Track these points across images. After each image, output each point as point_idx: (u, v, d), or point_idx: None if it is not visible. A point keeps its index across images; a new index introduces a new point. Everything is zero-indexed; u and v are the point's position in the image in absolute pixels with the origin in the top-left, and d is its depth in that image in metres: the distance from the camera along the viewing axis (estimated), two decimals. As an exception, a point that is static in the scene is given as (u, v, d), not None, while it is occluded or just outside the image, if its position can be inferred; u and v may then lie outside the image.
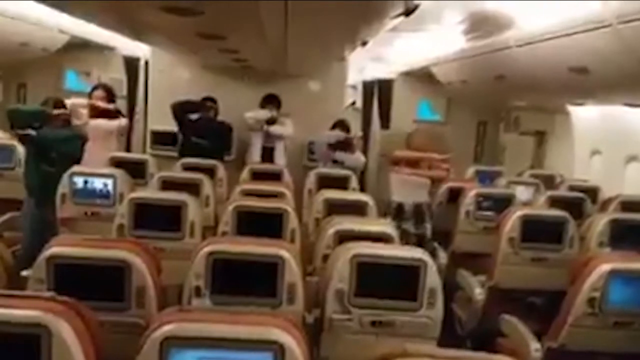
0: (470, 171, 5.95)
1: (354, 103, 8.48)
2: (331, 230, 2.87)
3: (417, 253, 2.39)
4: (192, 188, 3.70)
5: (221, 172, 4.66)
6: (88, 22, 4.28)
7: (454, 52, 5.32)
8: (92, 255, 2.09)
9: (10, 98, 7.16)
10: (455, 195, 4.50)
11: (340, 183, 4.50)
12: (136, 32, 4.50)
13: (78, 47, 6.32)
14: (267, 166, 5.27)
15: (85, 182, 3.74)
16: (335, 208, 3.52)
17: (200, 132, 5.43)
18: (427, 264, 2.30)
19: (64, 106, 4.12)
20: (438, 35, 5.03)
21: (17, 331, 1.42)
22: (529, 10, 3.73)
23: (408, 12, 2.49)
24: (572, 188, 4.92)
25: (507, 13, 3.91)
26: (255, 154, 5.83)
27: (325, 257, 2.75)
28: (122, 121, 5.18)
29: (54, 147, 3.92)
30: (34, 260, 2.15)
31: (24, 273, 2.26)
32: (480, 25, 4.36)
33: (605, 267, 2.56)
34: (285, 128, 5.82)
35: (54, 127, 3.95)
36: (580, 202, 4.39)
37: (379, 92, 7.68)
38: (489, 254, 3.56)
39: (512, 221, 3.41)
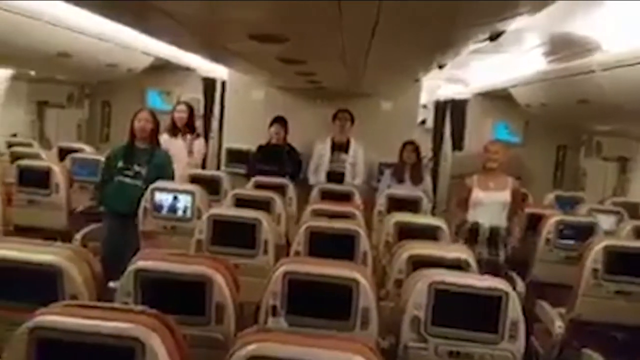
0: (550, 197, 5.73)
1: (424, 122, 8.37)
2: (405, 255, 2.83)
3: (498, 283, 2.31)
4: (264, 205, 3.77)
5: (291, 191, 4.73)
6: (175, 47, 4.45)
7: (534, 74, 5.16)
8: (176, 270, 2.16)
9: (95, 115, 7.65)
10: (534, 222, 4.33)
11: (411, 206, 4.43)
12: (219, 56, 4.66)
13: (159, 68, 6.63)
14: (336, 186, 5.24)
15: (166, 197, 3.89)
16: (406, 231, 3.46)
17: (266, 160, 5.49)
18: (509, 295, 2.22)
19: (154, 117, 4.21)
20: (518, 56, 4.91)
21: (112, 343, 1.48)
22: (615, 34, 3.58)
23: (494, 38, 2.44)
24: (659, 218, 4.64)
25: (591, 36, 3.76)
26: (321, 176, 5.68)
27: (398, 282, 2.71)
28: (202, 143, 5.48)
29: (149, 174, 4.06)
30: (114, 270, 2.24)
31: (111, 284, 2.37)
32: (563, 48, 4.22)
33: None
34: (358, 156, 5.71)
35: (141, 144, 4.11)
36: (669, 234, 4.14)
37: (451, 112, 7.55)
38: (569, 284, 3.40)
39: (595, 252, 3.26)
